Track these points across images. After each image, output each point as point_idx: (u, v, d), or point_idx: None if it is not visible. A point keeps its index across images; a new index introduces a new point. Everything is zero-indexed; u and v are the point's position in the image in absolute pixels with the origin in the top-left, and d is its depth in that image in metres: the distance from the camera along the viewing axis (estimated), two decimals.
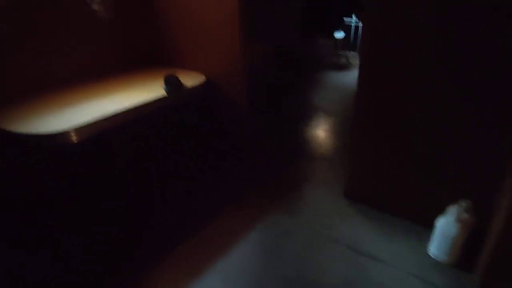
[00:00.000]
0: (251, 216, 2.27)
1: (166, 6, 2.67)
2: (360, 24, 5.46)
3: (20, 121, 1.88)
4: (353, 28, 5.69)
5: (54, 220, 2.15)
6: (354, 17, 5.56)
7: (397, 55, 1.87)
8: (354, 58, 5.78)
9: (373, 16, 1.88)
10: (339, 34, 5.45)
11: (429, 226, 1.96)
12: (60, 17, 2.28)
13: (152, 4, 2.73)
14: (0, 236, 2.03)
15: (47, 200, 2.10)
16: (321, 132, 3.48)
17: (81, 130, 1.85)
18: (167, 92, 2.27)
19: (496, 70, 1.61)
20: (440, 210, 1.92)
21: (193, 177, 2.70)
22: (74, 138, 1.84)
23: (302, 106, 4.11)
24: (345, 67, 5.56)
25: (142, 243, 2.08)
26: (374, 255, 1.94)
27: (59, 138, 1.81)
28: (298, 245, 2.04)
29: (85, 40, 2.45)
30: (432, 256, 1.92)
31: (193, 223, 2.21)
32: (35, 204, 2.09)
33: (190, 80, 2.53)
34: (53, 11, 2.24)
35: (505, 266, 1.43)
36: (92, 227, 2.18)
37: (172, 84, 2.32)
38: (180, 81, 2.37)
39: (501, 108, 1.66)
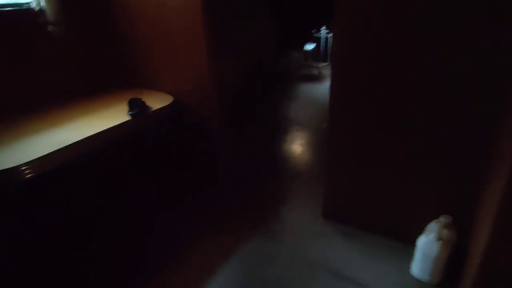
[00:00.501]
0: (228, 245, 2.14)
1: (130, 26, 2.55)
2: (330, 36, 5.50)
3: None
4: (322, 40, 5.73)
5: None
6: (324, 29, 5.60)
7: (369, 64, 1.81)
8: (325, 69, 5.81)
9: (343, 25, 1.81)
10: (310, 46, 5.47)
11: (411, 244, 1.91)
12: (16, 40, 2.11)
13: (114, 23, 2.60)
14: None
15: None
16: (296, 147, 3.42)
17: (34, 164, 1.69)
18: (131, 116, 2.14)
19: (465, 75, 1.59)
20: (421, 227, 1.87)
21: (164, 205, 2.54)
22: (26, 173, 1.67)
23: (277, 120, 4.04)
24: (317, 78, 5.58)
25: (110, 279, 1.91)
26: (356, 279, 1.86)
27: (9, 174, 1.64)
28: (279, 271, 1.93)
29: (44, 64, 2.29)
30: (415, 277, 1.86)
31: (165, 256, 2.06)
32: None
33: (157, 101, 2.41)
34: (9, 33, 2.07)
35: (491, 283, 1.38)
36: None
37: (136, 107, 2.18)
38: (144, 103, 2.25)
39: (476, 118, 1.63)
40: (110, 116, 2.13)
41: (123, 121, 2.08)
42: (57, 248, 2.04)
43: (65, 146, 1.80)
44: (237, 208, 2.48)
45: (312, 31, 5.55)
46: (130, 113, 2.14)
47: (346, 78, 1.90)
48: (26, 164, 1.68)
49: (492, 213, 1.26)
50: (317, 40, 5.72)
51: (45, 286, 1.89)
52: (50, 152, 1.75)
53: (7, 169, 1.63)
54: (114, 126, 2.01)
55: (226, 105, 2.77)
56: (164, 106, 2.36)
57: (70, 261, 2.04)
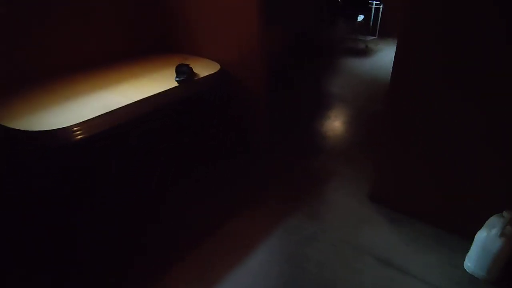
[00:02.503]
0: (267, 219, 2.10)
1: None
2: (381, 7, 5.13)
3: (21, 117, 1.71)
4: (373, 11, 5.36)
5: (55, 220, 2.01)
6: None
7: (440, 44, 1.63)
8: (373, 43, 5.48)
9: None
10: (358, 18, 5.14)
11: (466, 237, 1.78)
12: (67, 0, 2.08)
13: None
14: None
15: (47, 200, 1.96)
16: (340, 124, 3.27)
17: (84, 125, 1.69)
18: (178, 82, 2.08)
19: None
20: (479, 220, 1.73)
21: (204, 175, 2.52)
22: (77, 134, 1.68)
23: (321, 95, 3.88)
24: (364, 53, 5.27)
25: (150, 247, 1.93)
26: (403, 268, 1.77)
27: (60, 134, 1.64)
28: (320, 253, 1.87)
29: (91, 25, 2.25)
30: (468, 271, 1.74)
31: (204, 226, 2.05)
32: (34, 204, 1.96)
33: (204, 68, 2.33)
34: None
35: None
36: (98, 229, 2.04)
37: (183, 73, 2.12)
38: (192, 70, 2.18)
39: None
40: (158, 81, 2.09)
41: (170, 87, 2.03)
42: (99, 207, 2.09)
43: (114, 109, 1.78)
44: (278, 184, 2.42)
45: (368, 1, 5.17)
46: (178, 79, 2.08)
47: (413, 58, 1.73)
48: (77, 125, 1.68)
49: None
50: (366, 11, 5.36)
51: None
52: (100, 115, 1.74)
53: (59, 129, 1.64)
54: (162, 92, 1.96)
55: (270, 76, 2.65)
56: (211, 74, 2.28)
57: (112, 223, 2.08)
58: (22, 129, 1.61)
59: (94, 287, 1.72)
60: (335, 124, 3.29)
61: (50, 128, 1.62)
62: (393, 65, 1.82)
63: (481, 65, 1.56)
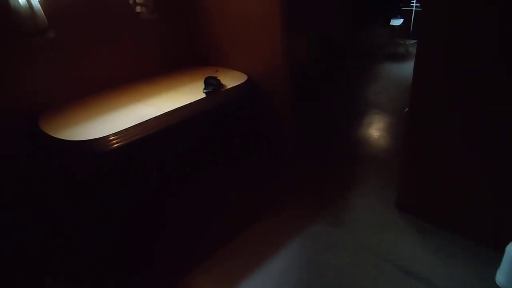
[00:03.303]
0: (291, 224, 2.15)
1: (207, 4, 2.60)
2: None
3: (63, 127, 1.94)
4: (413, 14, 5.20)
5: (89, 223, 2.22)
6: (414, 2, 5.07)
7: (467, 44, 1.57)
8: (413, 47, 5.29)
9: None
10: (397, 22, 5.02)
11: (498, 250, 1.69)
12: (104, 21, 2.32)
13: (193, 3, 2.68)
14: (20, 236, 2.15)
15: (85, 203, 2.17)
16: (374, 131, 3.22)
17: (119, 135, 1.87)
18: (206, 94, 2.22)
19: None
20: (511, 232, 1.64)
21: (232, 179, 2.63)
22: (113, 143, 1.86)
23: (354, 102, 3.84)
24: (403, 57, 5.12)
25: (171, 249, 2.05)
26: (426, 278, 1.72)
27: (98, 144, 1.84)
28: (342, 261, 1.88)
29: (128, 43, 2.47)
30: (500, 285, 1.65)
31: (230, 228, 2.15)
32: (71, 206, 2.18)
33: (232, 79, 2.46)
34: (98, 16, 2.28)
35: None
36: (123, 227, 2.22)
37: (211, 85, 2.26)
38: (219, 81, 2.31)
39: None
40: (187, 93, 2.24)
41: (198, 98, 2.16)
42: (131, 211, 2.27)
43: (146, 120, 1.95)
44: (302, 189, 2.45)
45: (400, 5, 5.05)
46: (205, 91, 2.22)
47: (437, 57, 1.69)
48: (114, 134, 1.86)
49: None
50: (405, 14, 5.21)
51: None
52: (134, 125, 1.92)
53: (98, 138, 1.84)
54: (190, 103, 2.11)
55: (299, 85, 2.71)
56: (238, 85, 2.40)
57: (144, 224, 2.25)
58: (66, 138, 1.83)
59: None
60: (368, 131, 3.24)
61: (90, 138, 1.82)
62: (414, 68, 1.79)
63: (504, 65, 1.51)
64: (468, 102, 1.67)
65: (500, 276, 1.65)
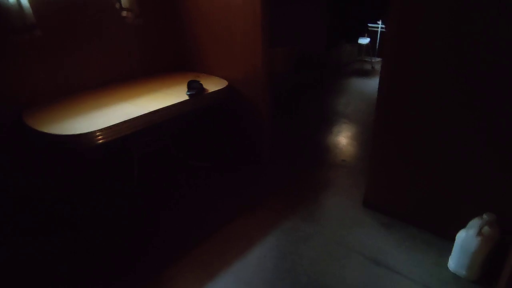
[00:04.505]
0: (267, 221, 2.28)
1: (192, 13, 2.75)
2: None
3: (50, 123, 1.98)
4: (379, 33, 5.62)
5: (70, 215, 2.25)
6: (380, 22, 5.49)
7: (423, 59, 1.83)
8: (379, 64, 5.70)
9: (399, 18, 1.84)
10: (364, 40, 5.40)
11: (451, 239, 1.91)
12: (91, 23, 2.40)
13: (178, 11, 2.82)
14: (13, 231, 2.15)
15: (69, 195, 2.21)
16: (343, 139, 3.45)
17: (105, 131, 1.94)
18: (189, 96, 2.34)
19: None
20: (463, 223, 1.87)
21: (211, 180, 2.75)
22: (98, 139, 1.93)
23: (325, 113, 4.09)
24: (370, 73, 5.50)
25: (156, 244, 2.13)
26: (391, 266, 1.91)
27: (84, 138, 1.90)
28: (314, 252, 2.03)
29: (114, 47, 2.56)
30: (451, 270, 1.86)
31: (209, 226, 2.25)
32: (56, 199, 2.21)
33: (213, 84, 2.59)
34: (85, 17, 2.35)
35: None
36: (104, 224, 2.27)
37: (194, 88, 2.38)
38: (202, 85, 2.44)
39: None
40: (171, 95, 2.35)
41: (182, 100, 2.28)
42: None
43: (131, 118, 2.04)
44: (278, 190, 2.61)
45: (367, 25, 5.45)
46: (189, 93, 2.34)
47: (397, 73, 1.93)
48: (99, 130, 1.93)
49: None
50: (372, 33, 5.62)
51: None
52: (119, 122, 1.99)
53: (84, 133, 1.90)
54: (174, 104, 2.22)
55: (276, 94, 2.89)
56: (220, 89, 2.54)
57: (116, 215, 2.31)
58: (53, 133, 1.88)
59: (99, 276, 1.92)
60: (337, 138, 3.47)
61: (76, 133, 1.88)
62: (380, 76, 2.02)
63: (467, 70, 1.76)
64: (421, 111, 1.92)
65: (451, 261, 1.87)
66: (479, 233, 1.73)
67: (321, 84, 4.94)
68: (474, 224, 1.79)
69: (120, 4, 2.52)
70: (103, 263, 1.98)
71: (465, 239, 1.77)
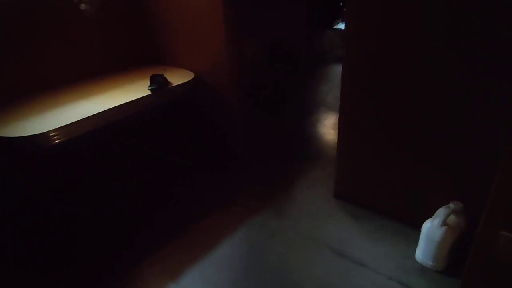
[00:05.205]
0: (237, 217, 2.23)
1: (158, 4, 2.64)
2: None
3: (4, 125, 1.90)
4: None
5: (36, 223, 2.19)
6: None
7: (385, 46, 1.76)
8: None
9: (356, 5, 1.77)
10: (337, 25, 5.30)
11: (420, 229, 1.87)
12: (49, 18, 2.29)
13: (144, 3, 2.70)
14: None
15: (27, 200, 2.15)
16: (321, 128, 3.40)
17: (60, 131, 1.87)
18: (151, 91, 2.26)
19: (495, 65, 1.49)
20: (431, 212, 1.83)
21: (179, 177, 2.68)
22: (54, 139, 1.86)
23: (304, 102, 4.02)
24: None
25: (125, 243, 2.08)
26: (358, 259, 1.87)
27: (39, 139, 1.82)
28: (282, 247, 1.99)
29: (74, 42, 2.45)
30: (418, 261, 1.83)
31: (178, 223, 2.20)
32: (18, 206, 2.14)
33: (179, 77, 2.51)
34: (42, 13, 2.24)
35: (483, 271, 1.34)
36: (77, 227, 2.21)
37: (156, 82, 2.30)
38: (165, 79, 2.35)
39: (496, 104, 1.54)
40: (132, 91, 2.26)
41: (143, 95, 2.20)
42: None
43: (88, 116, 1.96)
44: (251, 185, 2.55)
45: (342, 8, 5.32)
46: (150, 88, 2.26)
47: (358, 62, 1.87)
48: (54, 130, 1.86)
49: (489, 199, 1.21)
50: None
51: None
52: (75, 121, 1.92)
53: (38, 134, 1.82)
54: (134, 100, 2.14)
55: (248, 86, 2.81)
56: (185, 82, 2.45)
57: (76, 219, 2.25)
58: (3, 135, 1.80)
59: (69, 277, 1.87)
60: (315, 128, 3.41)
61: (29, 134, 1.81)
62: (342, 69, 1.96)
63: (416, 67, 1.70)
64: (386, 99, 1.86)
65: (418, 252, 1.83)
66: (444, 222, 1.69)
67: (301, 73, 4.85)
68: (440, 213, 1.75)
69: None
70: (71, 264, 1.93)
71: (430, 229, 1.73)
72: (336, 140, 2.19)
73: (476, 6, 1.43)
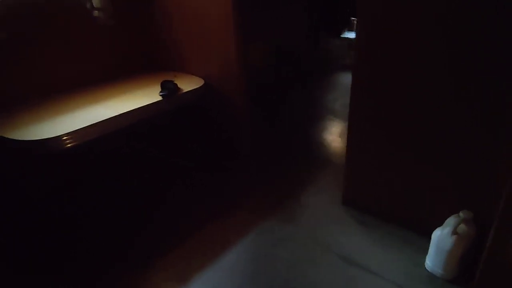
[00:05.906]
0: (245, 223, 2.23)
1: (167, 10, 2.69)
2: None
3: (17, 128, 1.93)
4: None
5: (43, 224, 2.21)
6: None
7: (396, 53, 1.77)
8: None
9: (370, 11, 1.79)
10: (353, 34, 5.32)
11: (429, 237, 1.86)
12: (61, 24, 2.34)
13: (152, 9, 2.75)
14: None
15: (40, 202, 2.17)
16: (328, 135, 3.40)
17: (73, 135, 1.90)
18: (162, 97, 2.29)
19: (496, 64, 1.50)
20: (441, 221, 1.82)
21: (188, 181, 2.69)
22: (66, 143, 1.89)
23: (311, 109, 4.03)
24: None
25: (133, 246, 2.09)
26: (366, 266, 1.87)
27: (51, 143, 1.85)
28: (290, 254, 1.99)
29: (85, 47, 2.50)
30: (428, 269, 1.82)
31: (186, 229, 2.20)
32: (26, 207, 2.17)
33: (189, 84, 2.54)
34: (54, 18, 2.30)
35: (496, 279, 1.33)
36: (83, 228, 2.22)
37: (167, 88, 2.33)
38: (176, 85, 2.39)
39: (496, 104, 1.54)
40: (143, 96, 2.29)
41: (154, 101, 2.23)
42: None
43: (100, 121, 1.99)
44: (258, 189, 2.56)
45: (351, 18, 5.35)
46: (161, 93, 2.29)
47: (369, 68, 1.88)
48: (67, 134, 1.89)
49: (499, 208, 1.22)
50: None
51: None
52: (87, 125, 1.95)
53: (51, 137, 1.85)
54: (145, 105, 2.17)
55: (255, 91, 2.84)
56: (195, 89, 2.49)
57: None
58: (17, 139, 1.83)
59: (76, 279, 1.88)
60: (323, 135, 3.42)
61: (42, 138, 1.84)
62: (352, 73, 1.97)
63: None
64: (396, 107, 1.87)
65: (428, 261, 1.82)
66: (454, 231, 1.68)
67: (309, 79, 4.87)
68: (450, 222, 1.75)
69: (92, 4, 2.47)
70: (77, 265, 1.95)
71: (440, 238, 1.73)
72: (343, 147, 2.19)
73: (476, 5, 1.45)
